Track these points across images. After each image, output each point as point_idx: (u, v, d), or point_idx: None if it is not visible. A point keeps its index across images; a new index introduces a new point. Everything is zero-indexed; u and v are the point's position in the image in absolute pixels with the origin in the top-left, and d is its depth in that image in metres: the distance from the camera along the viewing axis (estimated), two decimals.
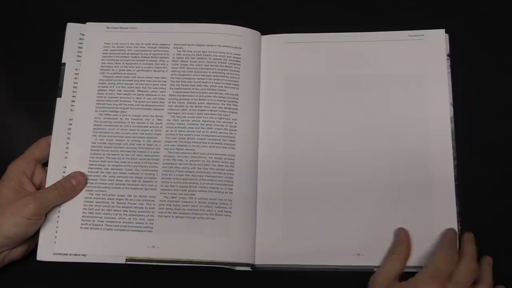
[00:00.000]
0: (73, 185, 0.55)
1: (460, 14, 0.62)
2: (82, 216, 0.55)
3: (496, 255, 0.54)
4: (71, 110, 0.57)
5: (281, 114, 0.58)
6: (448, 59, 0.59)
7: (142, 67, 0.59)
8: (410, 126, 0.57)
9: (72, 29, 0.60)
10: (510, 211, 0.56)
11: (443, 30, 0.59)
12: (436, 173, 0.55)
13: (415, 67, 0.58)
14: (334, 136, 0.57)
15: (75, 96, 0.58)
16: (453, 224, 0.54)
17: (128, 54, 0.59)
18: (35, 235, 0.54)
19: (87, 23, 0.60)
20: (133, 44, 0.59)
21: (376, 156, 0.56)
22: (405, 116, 0.57)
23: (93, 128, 0.57)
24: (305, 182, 0.56)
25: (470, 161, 0.57)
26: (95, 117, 0.57)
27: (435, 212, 0.55)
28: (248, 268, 0.54)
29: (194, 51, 0.59)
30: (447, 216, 0.54)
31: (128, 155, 0.56)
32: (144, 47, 0.59)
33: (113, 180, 0.56)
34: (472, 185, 0.56)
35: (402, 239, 0.53)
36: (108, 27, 0.60)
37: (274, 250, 0.55)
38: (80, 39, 0.60)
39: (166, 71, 0.59)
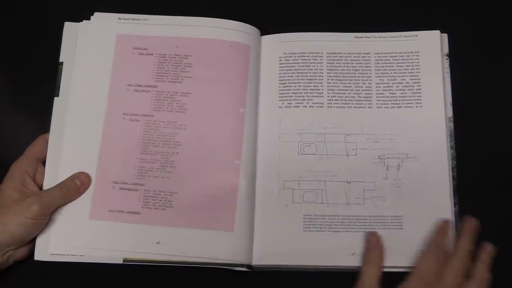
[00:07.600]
0: (77, 185, 0.54)
1: (459, 14, 0.62)
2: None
3: (496, 254, 0.54)
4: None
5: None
6: (447, 59, 0.58)
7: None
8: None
9: (70, 28, 0.59)
10: (510, 211, 0.56)
11: (438, 31, 0.59)
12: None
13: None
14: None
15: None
16: (452, 224, 0.54)
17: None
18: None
19: (91, 19, 0.59)
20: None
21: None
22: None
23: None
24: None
25: (470, 161, 0.57)
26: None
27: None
28: (245, 269, 0.54)
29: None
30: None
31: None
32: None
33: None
34: (471, 184, 0.56)
35: (374, 245, 0.53)
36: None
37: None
38: (78, 38, 0.59)
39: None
